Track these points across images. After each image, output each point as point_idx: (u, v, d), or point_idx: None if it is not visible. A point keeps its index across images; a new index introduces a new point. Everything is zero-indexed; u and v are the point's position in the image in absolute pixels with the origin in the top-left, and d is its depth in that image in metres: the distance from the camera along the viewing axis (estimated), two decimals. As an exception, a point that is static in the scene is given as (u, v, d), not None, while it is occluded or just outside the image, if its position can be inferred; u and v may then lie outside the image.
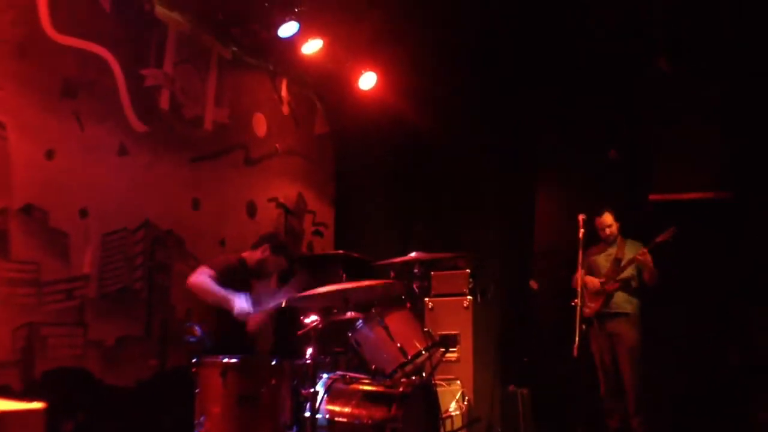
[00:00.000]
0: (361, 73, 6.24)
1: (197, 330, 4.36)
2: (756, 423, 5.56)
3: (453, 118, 6.80)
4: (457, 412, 5.20)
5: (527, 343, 6.58)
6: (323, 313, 4.22)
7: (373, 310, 4.26)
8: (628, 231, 5.81)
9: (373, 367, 4.20)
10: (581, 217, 5.34)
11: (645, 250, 5.47)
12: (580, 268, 5.39)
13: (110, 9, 4.89)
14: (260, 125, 6.39)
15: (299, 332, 4.12)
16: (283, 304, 4.37)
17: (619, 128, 6.52)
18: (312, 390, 3.85)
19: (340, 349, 4.65)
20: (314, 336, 3.94)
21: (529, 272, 6.88)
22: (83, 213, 4.69)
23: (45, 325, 4.40)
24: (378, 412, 3.90)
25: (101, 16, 4.84)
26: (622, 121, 6.51)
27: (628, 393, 5.53)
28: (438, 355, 4.45)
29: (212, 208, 5.76)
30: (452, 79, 6.56)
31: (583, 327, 5.19)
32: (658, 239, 5.43)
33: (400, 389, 4.01)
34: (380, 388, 4.08)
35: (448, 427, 4.89)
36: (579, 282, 5.39)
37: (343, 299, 4.24)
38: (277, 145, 6.55)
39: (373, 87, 6.33)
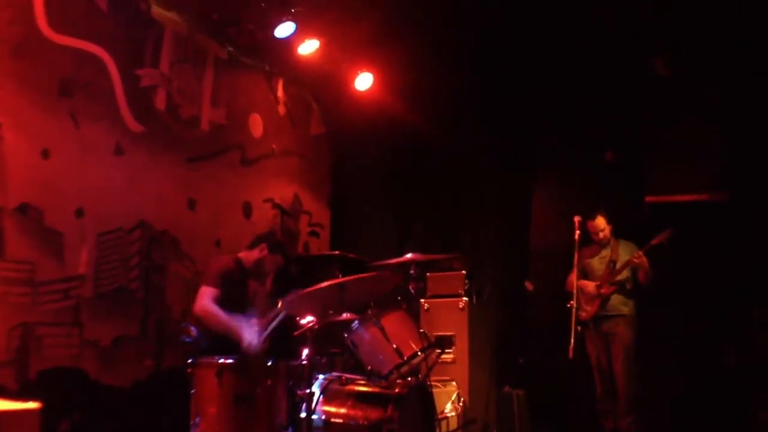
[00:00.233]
0: (358, 74, 6.23)
1: (193, 330, 4.35)
2: (756, 423, 5.55)
3: (452, 118, 6.79)
4: (453, 414, 5.19)
5: (523, 344, 6.57)
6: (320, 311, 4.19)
7: (369, 311, 4.26)
8: (625, 232, 5.79)
9: (369, 368, 4.20)
10: (577, 218, 5.32)
11: (640, 253, 5.46)
12: (575, 270, 5.37)
13: (107, 9, 4.89)
14: (256, 126, 6.38)
15: (295, 333, 4.11)
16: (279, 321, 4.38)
17: (619, 128, 6.51)
18: (308, 391, 3.82)
19: (336, 350, 4.66)
20: (310, 337, 3.92)
21: (526, 273, 6.87)
22: (79, 213, 4.68)
23: (40, 325, 4.40)
24: (374, 413, 3.90)
25: (98, 15, 4.84)
26: (622, 121, 6.50)
27: (619, 391, 5.53)
28: (434, 356, 4.44)
29: (208, 209, 5.75)
30: (452, 79, 6.54)
31: (579, 329, 5.18)
32: (654, 241, 5.42)
33: (396, 390, 4.00)
34: (376, 389, 4.08)
35: (444, 428, 4.89)
36: (574, 284, 5.38)
37: (340, 298, 4.21)
38: (273, 145, 6.54)
39: (371, 87, 6.32)
